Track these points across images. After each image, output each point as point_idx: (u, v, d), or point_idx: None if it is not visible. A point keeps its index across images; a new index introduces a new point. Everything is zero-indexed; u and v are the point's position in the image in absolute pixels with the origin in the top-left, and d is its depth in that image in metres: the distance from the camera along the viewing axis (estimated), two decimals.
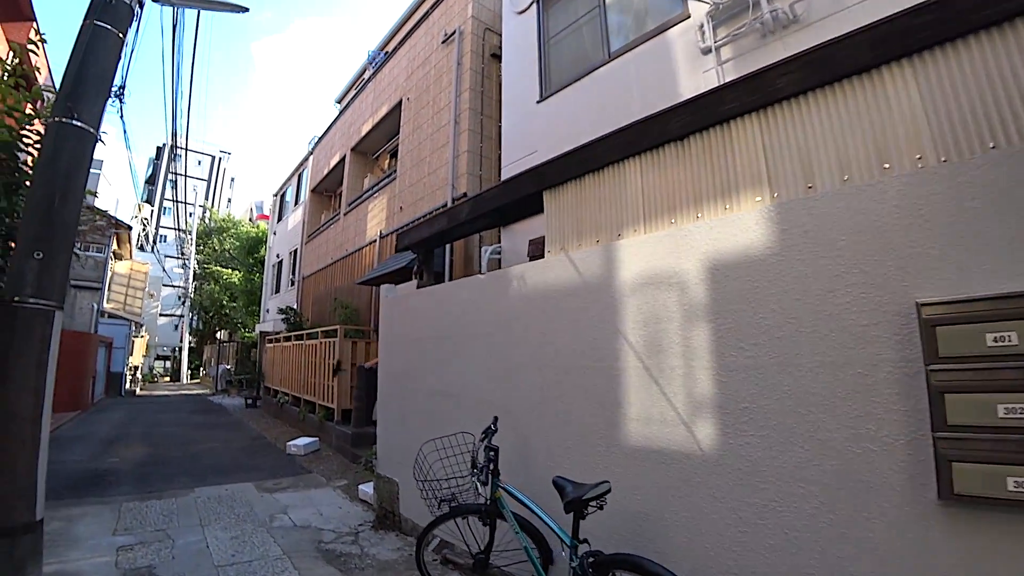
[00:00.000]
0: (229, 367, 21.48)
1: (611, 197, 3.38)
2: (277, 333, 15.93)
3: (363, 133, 12.50)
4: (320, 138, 16.40)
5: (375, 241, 10.27)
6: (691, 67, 5.32)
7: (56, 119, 3.43)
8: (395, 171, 10.40)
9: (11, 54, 6.00)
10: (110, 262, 20.45)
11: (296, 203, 18.58)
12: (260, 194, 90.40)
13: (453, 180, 8.15)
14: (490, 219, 4.64)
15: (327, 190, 15.91)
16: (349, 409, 8.91)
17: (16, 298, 3.16)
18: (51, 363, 3.21)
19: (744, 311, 2.53)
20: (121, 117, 11.31)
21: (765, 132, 2.75)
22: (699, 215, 2.93)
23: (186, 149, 19.71)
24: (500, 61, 9.11)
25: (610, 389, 3.05)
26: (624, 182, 3.34)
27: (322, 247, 14.03)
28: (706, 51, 5.13)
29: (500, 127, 8.67)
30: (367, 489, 5.88)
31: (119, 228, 20.88)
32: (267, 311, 19.97)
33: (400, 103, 10.71)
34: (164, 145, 56.51)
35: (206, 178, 60.79)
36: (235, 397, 18.63)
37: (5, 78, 5.74)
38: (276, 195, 21.80)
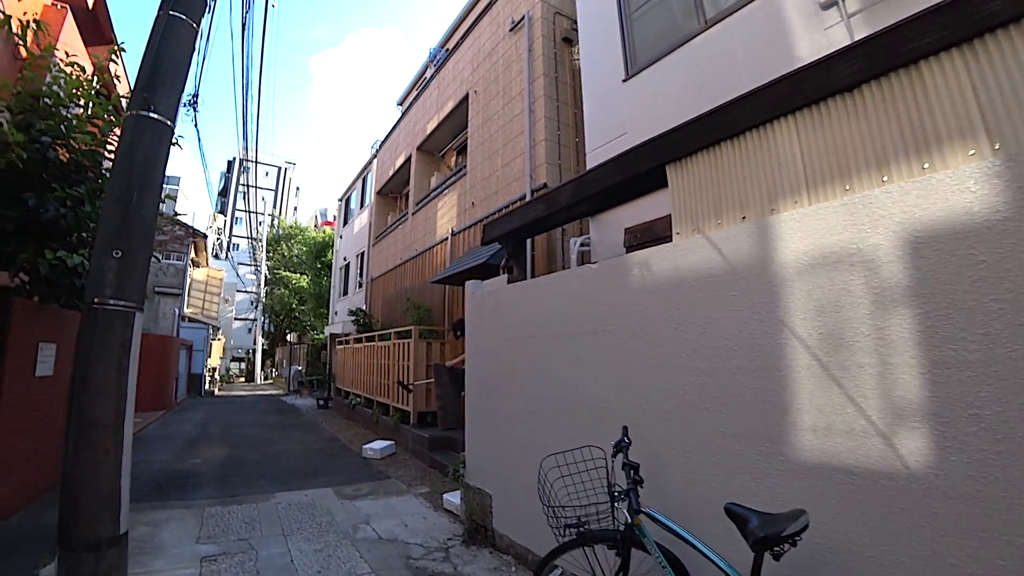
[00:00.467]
0: (300, 368, 21.94)
1: (758, 165, 2.83)
2: (347, 335, 16.02)
3: (428, 131, 12.28)
4: (383, 141, 16.41)
5: (446, 239, 9.98)
6: (807, 25, 4.63)
7: (132, 112, 3.26)
8: (464, 167, 10.08)
9: (93, 68, 6.06)
10: (189, 269, 21.33)
11: (361, 207, 18.71)
12: (324, 201, 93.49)
13: (531, 171, 7.72)
14: (594, 203, 4.15)
15: (392, 192, 15.87)
16: (425, 412, 8.64)
17: (96, 299, 2.97)
18: (132, 367, 2.98)
19: (965, 293, 1.93)
20: (196, 126, 11.57)
21: (974, 69, 2.13)
22: (884, 178, 2.33)
23: (256, 161, 20.37)
24: (572, 45, 8.63)
25: (771, 393, 2.49)
26: (774, 147, 2.77)
27: (390, 248, 13.95)
28: (827, 5, 4.45)
29: (577, 114, 8.18)
30: (452, 499, 5.51)
31: (196, 237, 21.75)
32: (335, 313, 20.24)
33: (467, 97, 10.39)
34: (235, 159, 59.36)
35: (274, 188, 63.28)
36: (307, 398, 18.96)
37: (89, 92, 5.80)
38: (341, 200, 22.12)
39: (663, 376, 3.01)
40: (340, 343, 14.85)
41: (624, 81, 6.46)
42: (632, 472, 2.51)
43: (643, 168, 3.48)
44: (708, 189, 3.11)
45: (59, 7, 8.37)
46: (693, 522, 2.31)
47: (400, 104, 18.48)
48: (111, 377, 2.91)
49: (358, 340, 12.54)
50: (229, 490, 6.22)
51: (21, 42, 5.92)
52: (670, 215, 3.54)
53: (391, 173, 14.82)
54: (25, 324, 5.08)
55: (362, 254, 17.42)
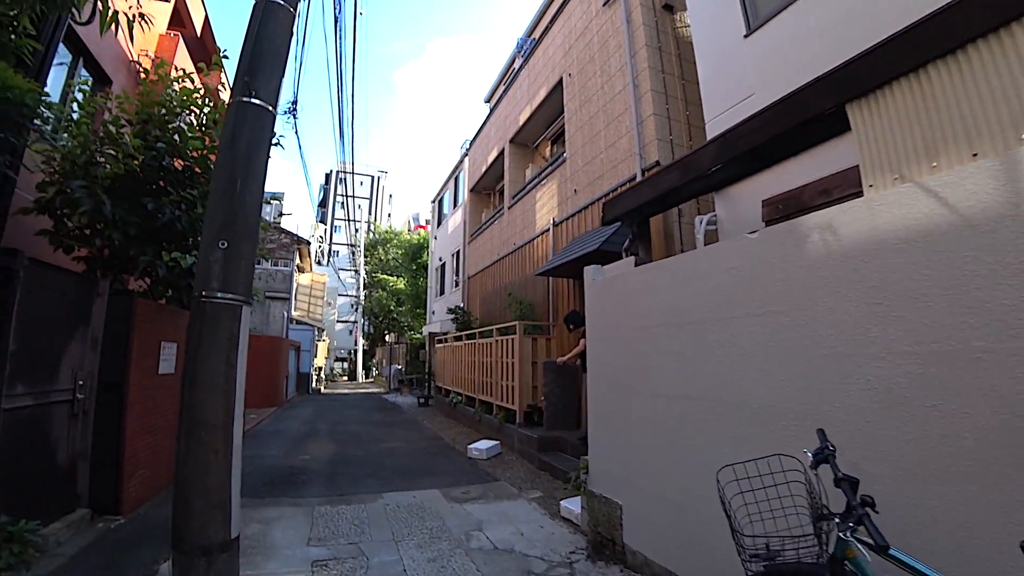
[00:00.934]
0: (399, 367, 22.45)
1: (992, 85, 2.11)
2: (445, 333, 16.04)
3: (521, 122, 11.91)
4: (474, 138, 16.31)
5: (547, 230, 9.53)
6: None
7: (235, 99, 3.11)
8: (563, 154, 9.59)
9: (203, 86, 6.21)
10: (295, 275, 22.50)
11: (454, 206, 18.76)
12: (416, 206, 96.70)
13: (639, 149, 7.08)
14: (741, 165, 3.50)
15: (486, 188, 15.70)
16: (531, 411, 8.23)
17: (203, 293, 2.79)
18: (240, 362, 2.76)
19: None
20: (296, 132, 11.93)
21: None
22: None
23: (352, 172, 21.14)
24: (674, 12, 7.89)
25: None
26: (1016, 59, 2.05)
27: (486, 245, 13.74)
28: None
29: (685, 85, 7.46)
30: (571, 507, 5.02)
31: (300, 244, 22.92)
32: (432, 313, 20.47)
33: (560, 82, 9.90)
34: (332, 171, 62.73)
35: (368, 196, 66.14)
36: (407, 395, 19.29)
37: (198, 102, 5.95)
38: (434, 201, 22.39)
39: (862, 365, 2.34)
40: (439, 342, 14.86)
41: (746, 36, 5.69)
42: (850, 489, 1.89)
43: (815, 111, 2.82)
44: (912, 126, 2.42)
45: (172, 35, 8.97)
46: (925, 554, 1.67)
47: (488, 101, 18.35)
48: (219, 373, 2.70)
49: (457, 338, 12.41)
50: (337, 488, 6.12)
51: (142, 70, 6.24)
52: (818, 181, 2.89)
53: (484, 169, 14.63)
54: (148, 324, 5.18)
55: (457, 253, 17.42)
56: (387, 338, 34.95)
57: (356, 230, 38.20)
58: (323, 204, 63.14)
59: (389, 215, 68.01)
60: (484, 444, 8.06)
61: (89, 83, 5.35)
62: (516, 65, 14.32)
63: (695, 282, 3.31)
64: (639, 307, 3.84)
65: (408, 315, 28.94)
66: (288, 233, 22.23)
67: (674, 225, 6.53)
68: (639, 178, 6.95)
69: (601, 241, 6.21)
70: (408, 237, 33.34)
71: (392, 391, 21.51)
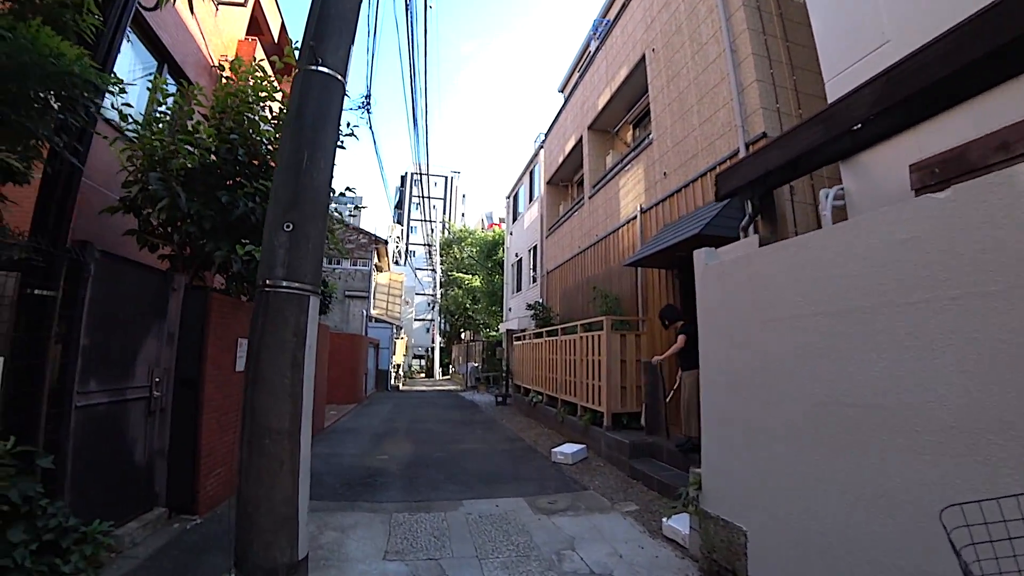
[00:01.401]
0: (476, 365, 22.32)
1: None
2: (523, 331, 15.64)
3: (600, 107, 11.24)
4: (549, 130, 15.79)
5: (634, 218, 8.85)
6: None
7: (301, 69, 2.77)
8: (648, 136, 8.87)
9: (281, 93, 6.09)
10: (373, 274, 22.92)
11: (530, 201, 18.33)
12: (488, 205, 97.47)
13: (742, 121, 6.28)
14: (907, 111, 2.76)
15: (563, 180, 15.13)
16: (620, 414, 7.60)
17: (268, 281, 2.44)
18: (308, 361, 2.39)
19: None
20: (370, 127, 11.86)
21: None
22: None
23: (427, 174, 21.24)
24: None
25: None
26: None
27: (565, 238, 13.17)
28: None
29: (791, 47, 6.58)
30: (677, 526, 4.39)
31: (378, 243, 23.30)
32: (509, 310, 20.15)
33: (643, 59, 9.16)
34: (407, 173, 64.29)
35: (442, 196, 67.22)
36: (484, 394, 19.08)
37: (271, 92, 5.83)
38: (508, 197, 22.07)
39: None
40: (516, 339, 14.47)
41: None
42: None
43: None
44: None
45: (249, 40, 9.11)
46: None
47: (562, 90, 17.80)
48: (285, 373, 2.35)
49: (537, 335, 11.93)
50: (416, 493, 5.80)
51: (222, 75, 6.25)
52: (992, 135, 2.15)
53: (561, 160, 14.07)
54: (223, 319, 5.05)
55: (534, 248, 16.97)
56: (462, 336, 35.17)
57: (432, 230, 38.86)
58: (399, 206, 64.78)
59: (463, 215, 68.79)
60: (569, 448, 7.53)
61: (169, 83, 5.33)
62: (592, 48, 13.64)
63: (850, 262, 2.61)
64: (769, 294, 3.16)
65: (484, 313, 28.89)
66: (366, 233, 22.69)
67: (786, 204, 5.70)
68: (743, 153, 6.16)
69: (702, 225, 5.49)
70: (482, 234, 33.33)
71: (469, 389, 21.41)
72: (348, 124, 6.14)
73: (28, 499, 2.87)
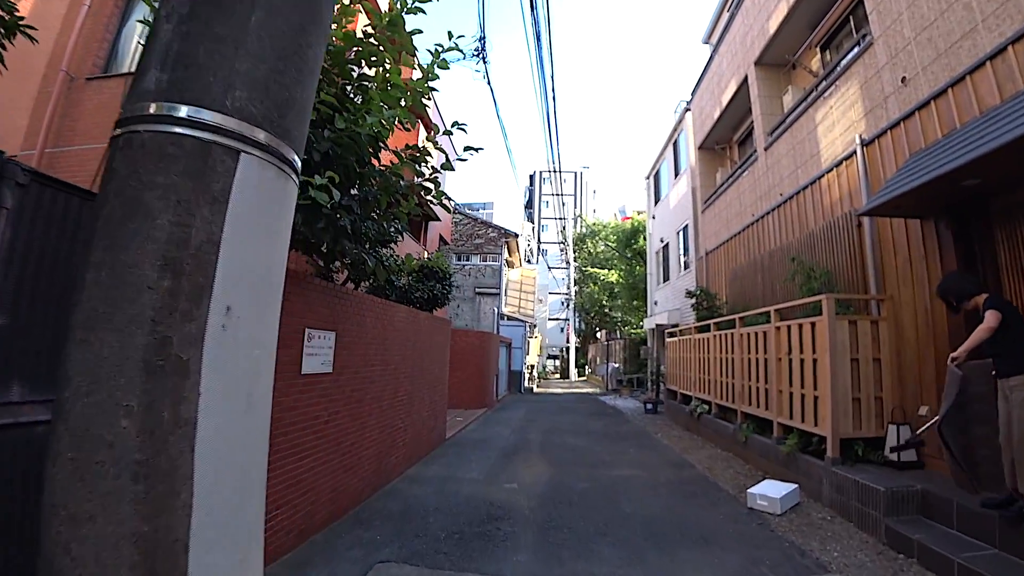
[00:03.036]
0: (617, 365, 20.04)
1: None
2: (675, 326, 13.20)
3: (771, 32, 8.64)
4: (695, 88, 13.28)
5: (849, 156, 6.21)
6: None
7: None
8: (866, 34, 6.22)
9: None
10: (504, 269, 21.65)
11: (675, 176, 15.78)
12: (619, 199, 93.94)
13: None
14: None
15: (719, 141, 12.48)
16: (853, 438, 5.10)
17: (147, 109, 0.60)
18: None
19: None
20: (488, 82, 10.24)
21: None
22: None
23: (559, 171, 19.51)
24: None
25: None
26: None
27: (730, 208, 10.57)
28: None
29: None
30: None
31: (508, 237, 21.98)
32: (655, 304, 17.68)
33: None
34: (535, 172, 63.45)
35: (572, 193, 65.36)
36: (627, 398, 16.80)
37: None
38: (647, 178, 19.58)
39: None
40: (668, 335, 12.08)
41: None
42: None
43: None
44: None
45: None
46: None
47: (707, 40, 15.13)
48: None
49: (700, 329, 9.53)
50: (553, 557, 3.88)
51: None
52: None
53: (716, 115, 11.48)
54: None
55: (684, 229, 14.42)
56: (598, 335, 32.96)
57: (563, 227, 37.24)
58: (529, 206, 64.07)
59: (594, 211, 66.38)
60: (772, 488, 5.17)
61: None
62: None
63: None
64: None
65: (622, 309, 26.50)
66: (495, 227, 21.48)
67: None
68: None
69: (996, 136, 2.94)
70: (618, 224, 30.94)
71: (610, 392, 19.15)
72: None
73: None
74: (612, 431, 10.18)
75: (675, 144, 16.10)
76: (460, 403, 12.46)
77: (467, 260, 20.94)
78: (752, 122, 10.16)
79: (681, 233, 14.83)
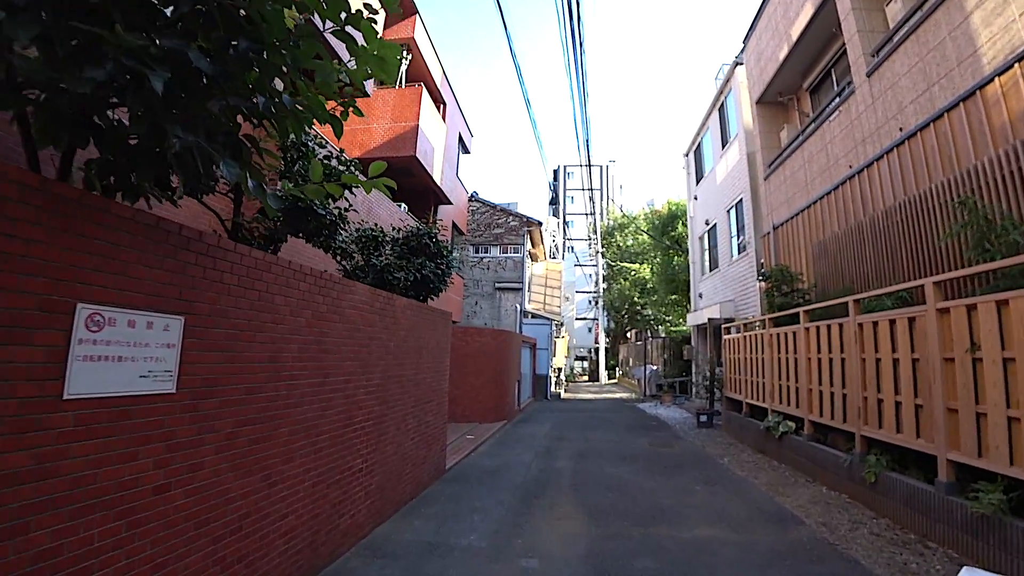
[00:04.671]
0: (655, 367, 17.70)
1: None
2: (728, 320, 10.94)
3: None
4: (749, 32, 11.08)
5: None
6: None
7: None
8: None
9: None
10: (527, 262, 19.52)
11: (723, 145, 13.48)
12: (647, 194, 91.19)
13: None
14: None
15: (784, 91, 10.18)
16: None
17: None
18: None
19: None
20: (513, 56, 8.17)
21: None
22: None
23: (588, 165, 17.43)
24: None
25: None
26: None
27: (812, 165, 8.30)
28: None
29: None
30: None
31: (531, 226, 19.83)
32: (699, 296, 15.35)
33: None
34: (559, 167, 61.22)
35: (599, 187, 62.90)
36: (670, 406, 14.49)
37: None
38: (687, 155, 17.28)
39: None
40: (725, 331, 9.81)
41: None
42: None
43: None
44: None
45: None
46: None
47: None
48: None
49: (779, 321, 7.28)
50: None
51: None
52: None
53: (783, 56, 9.21)
54: None
55: (738, 204, 12.11)
56: (628, 335, 30.57)
57: (592, 211, 35.09)
58: (553, 202, 61.87)
59: (621, 207, 63.87)
60: None
61: None
62: None
63: None
64: None
65: (656, 305, 24.12)
66: (516, 215, 19.32)
67: None
68: None
69: None
70: (652, 210, 28.65)
71: (648, 398, 16.80)
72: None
73: None
74: (663, 454, 7.96)
75: (721, 109, 13.81)
76: (473, 415, 10.38)
77: (485, 252, 18.88)
78: (836, 55, 7.90)
79: (733, 210, 12.52)
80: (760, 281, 8.33)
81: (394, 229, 6.29)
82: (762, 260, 9.64)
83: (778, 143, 10.06)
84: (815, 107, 9.29)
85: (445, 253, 6.24)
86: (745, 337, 8.60)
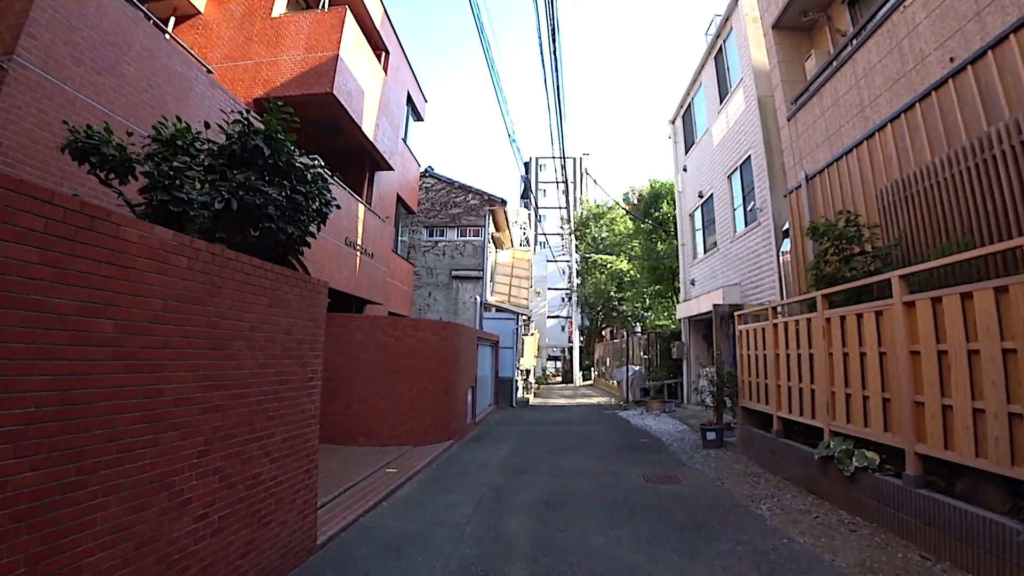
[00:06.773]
0: (639, 368, 15.31)
1: None
2: (735, 306, 8.61)
3: None
4: None
5: None
6: None
7: None
8: None
9: None
10: (488, 246, 16.97)
11: (722, 98, 11.18)
12: (622, 187, 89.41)
13: None
14: None
15: (812, 7, 7.83)
16: None
17: None
18: None
19: None
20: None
21: None
22: None
23: (563, 157, 15.07)
24: None
25: None
26: None
27: (873, 77, 5.90)
28: None
29: None
30: None
31: (493, 205, 17.24)
32: (691, 283, 13.03)
33: None
34: (531, 159, 58.85)
35: (573, 180, 60.79)
36: (659, 415, 12.10)
37: None
38: (673, 121, 15.01)
39: None
40: (740, 320, 7.41)
41: None
42: None
43: None
44: None
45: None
46: None
47: None
48: None
49: (835, 300, 4.88)
50: None
51: None
52: None
53: None
54: None
55: (744, 163, 9.79)
56: (603, 333, 28.33)
57: (562, 217, 32.98)
58: (525, 196, 59.63)
59: (595, 201, 61.96)
60: None
61: None
62: None
63: None
64: None
65: (634, 300, 21.92)
66: (476, 191, 16.70)
67: None
68: None
69: None
70: (626, 193, 26.64)
71: (632, 405, 14.35)
72: None
73: None
74: (670, 498, 5.51)
75: (718, 57, 11.52)
76: (404, 436, 7.78)
77: (441, 235, 16.27)
78: None
79: (737, 174, 10.20)
80: (806, 239, 5.91)
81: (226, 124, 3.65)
82: (792, 223, 7.25)
83: (803, 75, 7.75)
84: (855, 21, 6.97)
85: (315, 179, 3.65)
86: (775, 326, 6.19)
